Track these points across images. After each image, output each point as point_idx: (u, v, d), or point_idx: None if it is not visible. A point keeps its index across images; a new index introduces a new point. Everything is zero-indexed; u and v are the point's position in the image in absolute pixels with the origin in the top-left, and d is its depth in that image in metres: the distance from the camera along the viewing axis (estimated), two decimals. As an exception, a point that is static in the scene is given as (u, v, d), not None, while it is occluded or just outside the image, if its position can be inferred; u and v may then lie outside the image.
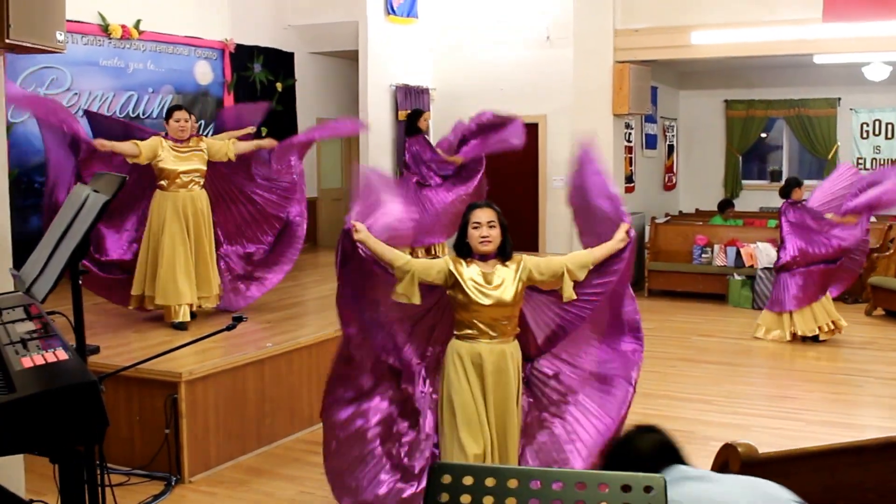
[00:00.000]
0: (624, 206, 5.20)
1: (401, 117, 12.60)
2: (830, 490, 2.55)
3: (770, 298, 10.18)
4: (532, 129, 13.32)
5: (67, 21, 4.68)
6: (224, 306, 7.92)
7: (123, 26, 10.36)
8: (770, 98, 15.41)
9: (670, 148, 15.95)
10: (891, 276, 11.43)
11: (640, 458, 2.89)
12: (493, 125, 10.85)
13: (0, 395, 2.46)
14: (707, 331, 10.35)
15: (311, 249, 13.26)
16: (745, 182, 15.87)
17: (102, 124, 8.05)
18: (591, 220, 5.74)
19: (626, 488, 2.07)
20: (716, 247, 12.61)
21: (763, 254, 11.97)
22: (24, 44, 4.32)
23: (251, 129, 8.60)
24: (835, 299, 10.02)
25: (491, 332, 4.64)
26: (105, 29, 10.18)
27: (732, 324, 10.14)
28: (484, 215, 4.72)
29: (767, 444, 2.39)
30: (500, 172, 13.44)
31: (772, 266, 10.87)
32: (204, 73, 11.64)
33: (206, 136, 10.22)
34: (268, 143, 8.26)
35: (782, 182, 10.88)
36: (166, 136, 7.57)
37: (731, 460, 2.29)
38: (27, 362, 2.67)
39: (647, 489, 2.08)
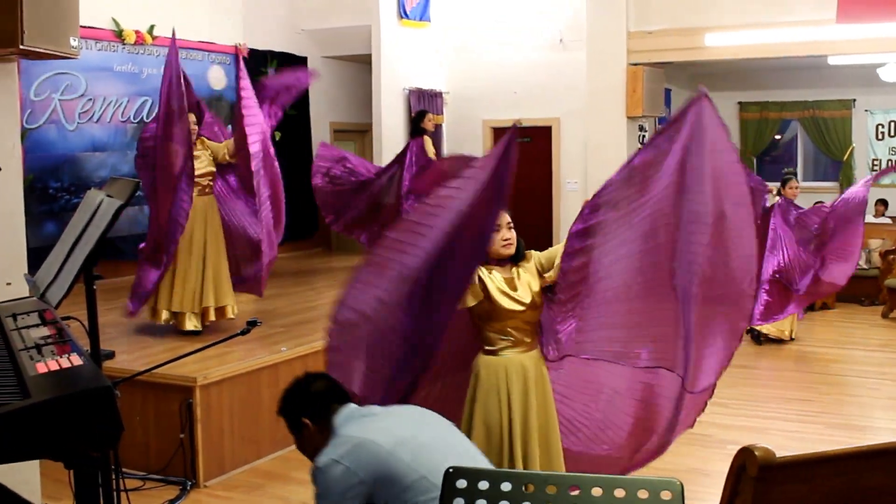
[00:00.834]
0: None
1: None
2: (851, 494, 2.53)
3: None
4: (545, 132, 13.32)
5: (81, 27, 4.69)
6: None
7: (137, 32, 10.40)
8: (784, 100, 15.36)
9: (684, 150, 15.88)
10: (907, 277, 11.37)
11: (315, 396, 3.40)
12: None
13: (14, 401, 2.46)
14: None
15: (324, 253, 13.28)
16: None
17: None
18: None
19: (642, 493, 2.06)
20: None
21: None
22: (39, 50, 4.33)
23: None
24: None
25: (525, 339, 4.34)
26: (119, 35, 10.22)
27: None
28: (503, 217, 4.43)
29: (785, 447, 2.37)
30: (512, 174, 13.43)
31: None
32: (217, 77, 11.67)
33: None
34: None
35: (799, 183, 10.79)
36: None
37: (749, 464, 2.28)
38: (42, 368, 2.67)
39: (665, 493, 2.07)
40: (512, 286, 4.33)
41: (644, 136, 13.52)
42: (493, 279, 4.31)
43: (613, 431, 4.58)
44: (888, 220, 13.73)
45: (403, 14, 12.65)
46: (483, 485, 2.12)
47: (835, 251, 9.31)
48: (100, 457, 2.86)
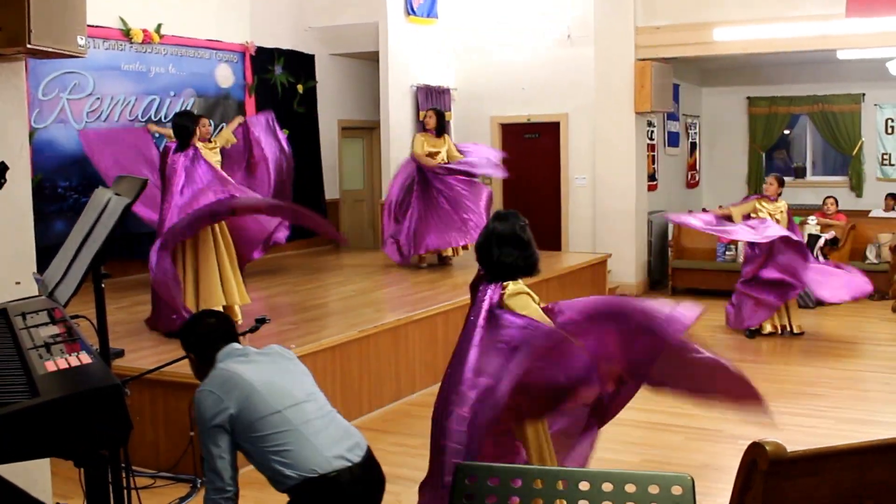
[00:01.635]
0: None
1: (420, 117, 12.61)
2: (861, 488, 2.52)
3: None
4: (554, 128, 13.31)
5: (89, 26, 4.69)
6: None
7: (145, 31, 10.40)
8: (793, 94, 15.32)
9: (693, 145, 15.87)
10: (917, 272, 11.34)
11: (206, 332, 3.96)
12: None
13: (24, 400, 2.46)
14: (732, 329, 10.28)
15: (333, 251, 13.28)
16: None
17: None
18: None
19: (653, 488, 2.05)
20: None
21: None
22: (46, 49, 4.33)
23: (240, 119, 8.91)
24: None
25: None
26: (126, 33, 10.23)
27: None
28: None
29: (796, 442, 2.36)
30: (521, 170, 13.44)
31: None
32: (225, 76, 11.67)
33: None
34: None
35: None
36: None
37: (760, 459, 2.27)
38: (51, 366, 2.67)
39: (676, 488, 2.06)
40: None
41: (652, 132, 13.51)
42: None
43: None
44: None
45: (411, 11, 12.64)
46: (493, 481, 2.12)
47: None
48: (109, 455, 2.86)
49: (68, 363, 2.70)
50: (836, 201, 12.84)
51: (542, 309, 4.38)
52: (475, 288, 4.43)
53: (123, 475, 3.65)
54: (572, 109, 13.14)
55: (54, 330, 3.12)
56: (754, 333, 9.88)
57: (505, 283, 4.33)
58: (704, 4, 11.89)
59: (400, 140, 12.23)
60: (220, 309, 7.52)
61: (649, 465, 6.02)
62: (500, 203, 13.77)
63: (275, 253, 12.42)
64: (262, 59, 12.24)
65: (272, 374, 3.85)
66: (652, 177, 13.76)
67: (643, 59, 12.35)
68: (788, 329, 9.85)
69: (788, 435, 6.34)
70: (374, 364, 7.47)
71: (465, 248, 10.68)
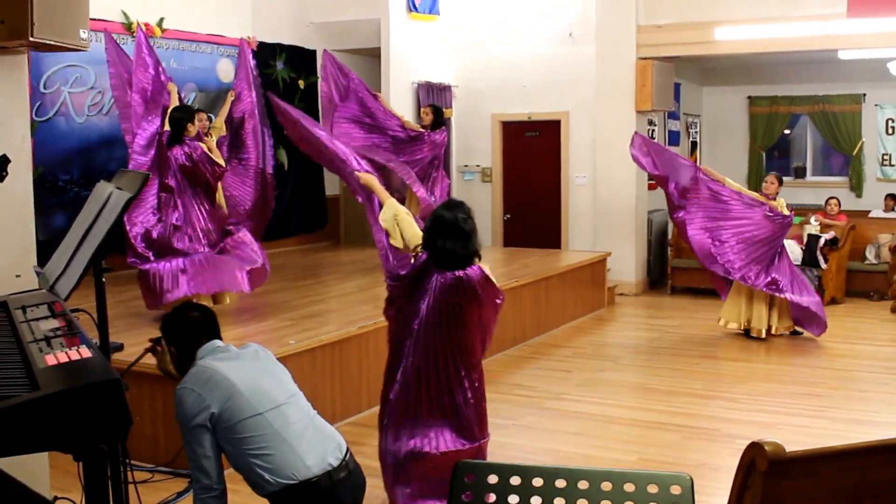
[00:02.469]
0: None
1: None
2: (859, 489, 2.52)
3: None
4: (554, 126, 13.30)
5: (91, 19, 4.69)
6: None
7: (147, 24, 10.39)
8: (794, 94, 15.32)
9: (693, 144, 15.86)
10: (917, 273, 11.34)
11: (190, 327, 3.91)
12: None
13: (24, 393, 2.47)
14: (731, 328, 10.28)
15: (332, 247, 13.29)
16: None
17: None
18: None
19: (652, 487, 2.06)
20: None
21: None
22: (48, 42, 4.32)
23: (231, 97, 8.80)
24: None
25: None
26: (128, 27, 10.22)
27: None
28: None
29: (793, 442, 2.36)
30: (521, 168, 13.45)
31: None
32: (226, 70, 11.66)
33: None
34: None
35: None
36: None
37: (759, 458, 2.27)
38: (51, 360, 2.68)
39: (675, 488, 2.06)
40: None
41: (653, 131, 13.51)
42: None
43: None
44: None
45: (413, 7, 12.64)
46: (492, 478, 2.12)
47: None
48: (108, 449, 2.87)
49: (68, 357, 2.70)
50: (839, 202, 12.83)
51: None
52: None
53: (122, 469, 3.66)
54: (573, 107, 13.14)
55: (55, 323, 3.13)
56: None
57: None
58: (706, 4, 11.90)
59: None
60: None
61: (646, 464, 6.03)
62: (501, 201, 13.77)
63: (274, 249, 12.42)
64: (264, 54, 12.23)
65: (254, 375, 3.84)
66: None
67: (644, 58, 12.35)
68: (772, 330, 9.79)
69: (783, 434, 6.37)
70: (374, 360, 7.46)
71: None
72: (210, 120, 7.87)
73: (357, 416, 7.15)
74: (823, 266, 11.74)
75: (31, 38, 4.17)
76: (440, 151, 10.72)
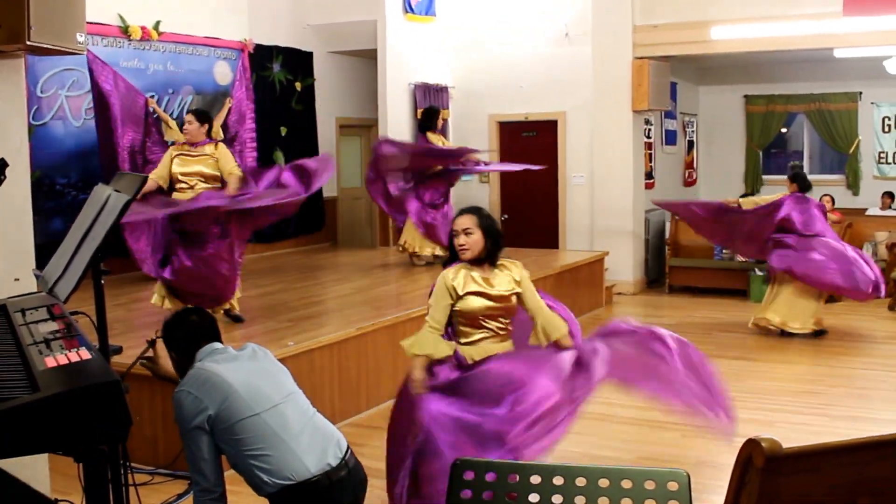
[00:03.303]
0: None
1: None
2: (856, 485, 2.53)
3: None
4: (551, 126, 13.32)
5: (88, 23, 4.70)
6: None
7: (143, 27, 10.41)
8: (790, 93, 15.34)
9: (690, 143, 15.89)
10: (914, 270, 11.35)
11: (188, 330, 3.95)
12: None
13: (24, 395, 2.48)
14: (729, 326, 10.31)
15: (330, 248, 13.30)
16: (765, 177, 15.79)
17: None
18: None
19: (649, 484, 2.07)
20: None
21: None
22: (45, 46, 4.33)
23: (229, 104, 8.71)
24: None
25: (498, 331, 4.68)
26: (125, 30, 10.24)
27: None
28: (461, 223, 4.63)
29: (791, 439, 2.37)
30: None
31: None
32: (223, 73, 11.67)
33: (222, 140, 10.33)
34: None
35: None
36: (185, 141, 7.79)
37: (756, 455, 2.28)
38: (50, 362, 2.68)
39: (671, 484, 2.07)
40: (488, 283, 4.62)
41: (650, 130, 13.53)
42: (462, 276, 4.59)
43: None
44: (894, 213, 13.71)
45: (409, 9, 12.65)
46: (490, 476, 2.13)
47: None
48: (108, 451, 2.87)
49: (68, 359, 2.71)
50: (833, 199, 12.84)
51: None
52: None
53: (122, 471, 3.67)
54: (570, 108, 13.16)
55: (54, 326, 3.13)
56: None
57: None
58: (702, 3, 11.91)
59: (397, 137, 12.24)
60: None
61: (645, 461, 6.04)
62: (498, 201, 13.79)
63: (272, 251, 12.44)
64: (261, 56, 12.25)
65: (251, 375, 3.85)
66: (649, 175, 13.77)
67: (641, 58, 12.36)
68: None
69: (784, 432, 6.38)
70: (372, 361, 7.48)
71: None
72: (201, 121, 7.76)
73: (356, 416, 7.16)
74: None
75: (28, 42, 4.18)
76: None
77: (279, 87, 12.63)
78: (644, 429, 6.82)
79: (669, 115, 14.62)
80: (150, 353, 4.21)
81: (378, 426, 6.95)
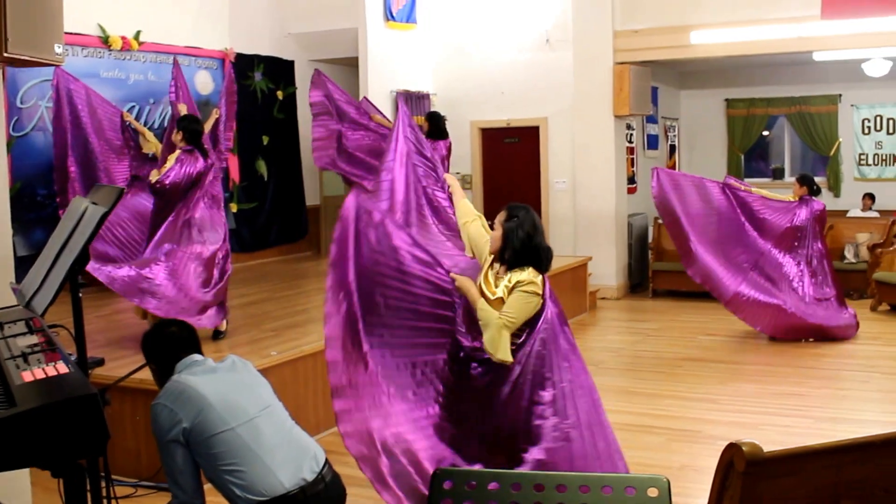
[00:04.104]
0: None
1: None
2: (838, 487, 2.53)
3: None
4: (533, 132, 13.33)
5: (68, 34, 4.70)
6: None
7: (123, 38, 10.38)
8: (771, 96, 15.41)
9: (672, 148, 15.93)
10: (895, 271, 11.39)
11: (171, 341, 3.94)
12: None
13: (0, 410, 2.46)
14: (713, 330, 10.33)
15: (313, 257, 13.27)
16: (747, 180, 15.81)
17: None
18: None
19: (630, 491, 2.07)
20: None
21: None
22: (23, 57, 4.32)
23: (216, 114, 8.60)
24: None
25: None
26: (105, 41, 10.21)
27: (738, 323, 10.12)
28: (498, 215, 4.67)
29: (776, 442, 2.38)
30: (501, 174, 13.46)
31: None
32: (204, 82, 11.65)
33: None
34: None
35: (784, 180, 10.84)
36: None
37: (737, 459, 2.28)
38: (28, 376, 2.67)
39: (652, 490, 2.07)
40: (489, 286, 4.62)
41: (632, 135, 13.56)
42: (490, 270, 4.64)
43: None
44: (875, 214, 13.78)
45: (390, 16, 12.65)
46: (470, 485, 2.13)
47: None
48: (87, 465, 2.85)
49: (45, 373, 2.69)
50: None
51: None
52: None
53: (103, 484, 3.64)
54: (552, 113, 13.17)
55: (33, 339, 3.11)
56: None
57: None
58: (682, 8, 11.95)
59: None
60: None
61: (630, 466, 6.03)
62: (481, 207, 13.78)
63: (254, 260, 12.41)
64: (242, 65, 12.23)
65: (228, 388, 3.83)
66: (631, 180, 13.80)
67: (622, 63, 12.39)
68: None
69: (766, 434, 6.39)
70: (356, 370, 7.45)
71: None
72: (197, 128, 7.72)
73: (340, 425, 7.13)
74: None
75: (4, 54, 4.17)
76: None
77: (261, 95, 12.61)
78: (629, 433, 6.81)
79: (651, 119, 14.66)
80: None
81: (362, 435, 6.94)
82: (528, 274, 4.52)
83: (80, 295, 3.44)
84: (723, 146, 15.95)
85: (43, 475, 2.93)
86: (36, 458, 2.48)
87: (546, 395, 4.49)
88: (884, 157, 14.74)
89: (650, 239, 13.40)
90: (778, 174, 15.74)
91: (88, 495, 2.97)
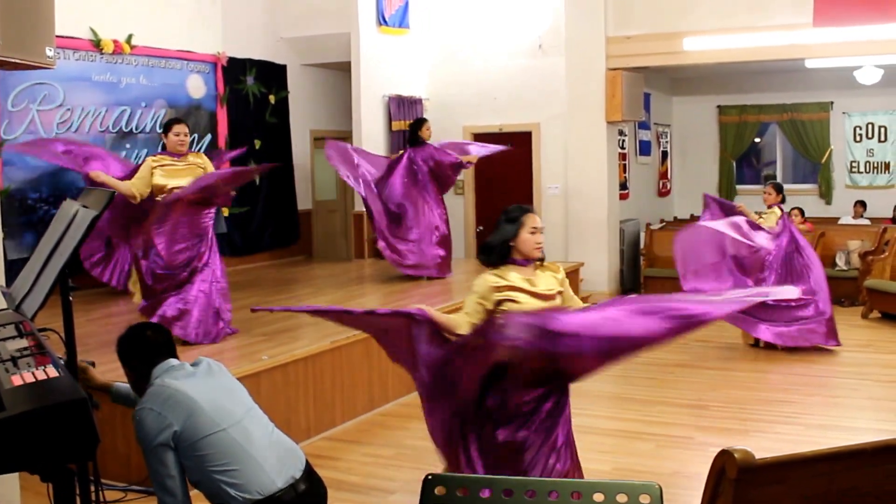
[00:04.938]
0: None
1: (397, 127, 12.68)
2: (829, 494, 2.53)
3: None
4: (526, 138, 13.33)
5: (59, 37, 4.67)
6: None
7: (115, 41, 10.35)
8: (763, 103, 15.46)
9: (664, 154, 15.96)
10: (886, 278, 11.41)
11: (144, 346, 3.89)
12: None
13: (-11, 414, 2.45)
14: (704, 336, 10.31)
15: (305, 261, 13.25)
16: (739, 187, 15.90)
17: None
18: None
19: (621, 497, 2.06)
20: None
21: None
22: (14, 60, 4.31)
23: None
24: (831, 303, 9.98)
25: None
26: (97, 44, 10.18)
27: (729, 329, 10.12)
28: (538, 220, 4.59)
29: (766, 449, 2.37)
30: (494, 180, 13.46)
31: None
32: (196, 86, 11.63)
33: (201, 150, 10.24)
34: None
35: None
36: (162, 151, 7.62)
37: (728, 466, 2.28)
38: (17, 380, 2.65)
39: (644, 497, 2.07)
40: (532, 283, 4.54)
41: (624, 141, 13.57)
42: (512, 277, 4.51)
43: None
44: (867, 222, 13.82)
45: (382, 21, 12.65)
46: (461, 492, 2.12)
47: None
48: (78, 469, 2.84)
49: (35, 377, 2.68)
50: (801, 211, 12.84)
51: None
52: None
53: (93, 489, 3.63)
54: (544, 119, 13.18)
55: (23, 343, 3.10)
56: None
57: None
58: (675, 14, 11.97)
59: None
60: None
61: (621, 473, 6.03)
62: (473, 212, 13.78)
63: (246, 264, 12.39)
64: (234, 69, 12.21)
65: (212, 391, 3.83)
66: (624, 185, 13.82)
67: (614, 69, 12.41)
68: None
69: (758, 441, 6.39)
70: (347, 375, 7.45)
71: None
72: (189, 134, 7.65)
73: (331, 430, 7.12)
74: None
75: (-5, 57, 4.16)
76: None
77: (253, 99, 12.60)
78: (619, 440, 6.82)
79: (643, 125, 14.69)
80: (82, 365, 4.11)
81: (353, 440, 6.94)
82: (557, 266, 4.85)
83: (71, 298, 3.42)
84: (714, 153, 15.98)
85: (32, 480, 2.92)
86: (25, 462, 2.47)
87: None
88: (875, 165, 14.79)
89: (642, 245, 13.42)
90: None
91: (78, 500, 2.96)
